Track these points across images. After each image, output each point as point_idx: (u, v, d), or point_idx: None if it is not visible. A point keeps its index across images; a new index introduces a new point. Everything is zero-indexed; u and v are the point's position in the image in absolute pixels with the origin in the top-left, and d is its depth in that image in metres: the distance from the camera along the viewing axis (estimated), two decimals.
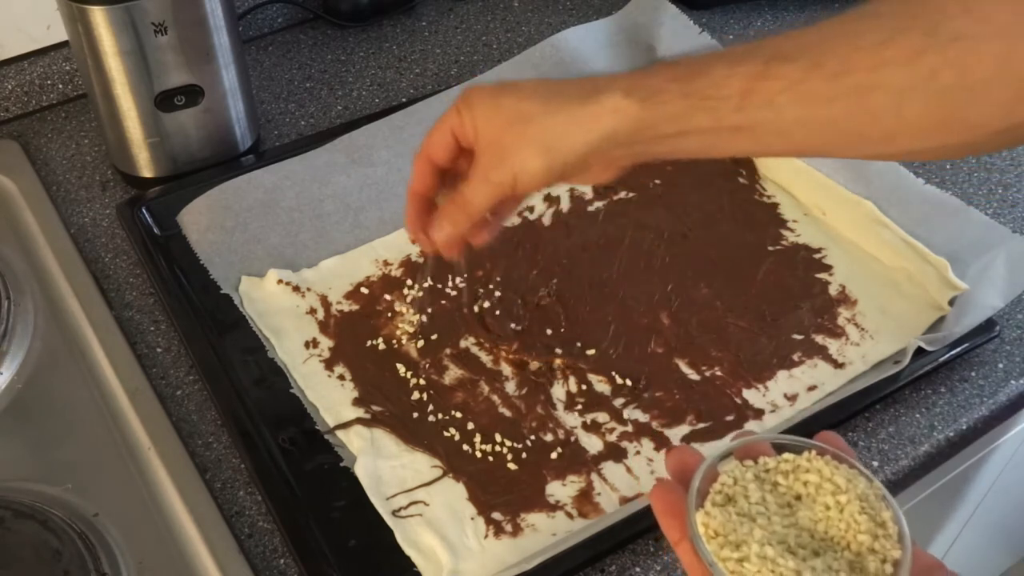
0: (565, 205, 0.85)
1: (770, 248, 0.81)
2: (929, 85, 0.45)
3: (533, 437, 0.69)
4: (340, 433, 0.69)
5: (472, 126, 0.56)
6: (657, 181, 0.87)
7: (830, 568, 0.43)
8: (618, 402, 0.71)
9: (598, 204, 0.85)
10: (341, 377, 0.72)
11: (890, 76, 0.46)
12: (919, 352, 0.71)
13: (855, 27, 0.49)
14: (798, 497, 0.46)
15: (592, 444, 0.68)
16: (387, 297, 0.77)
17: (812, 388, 0.71)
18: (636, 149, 0.54)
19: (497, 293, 0.78)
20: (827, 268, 0.80)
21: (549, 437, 0.69)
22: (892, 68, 0.46)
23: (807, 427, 0.66)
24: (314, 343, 0.74)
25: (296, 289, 0.77)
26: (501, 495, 0.65)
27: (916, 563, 0.44)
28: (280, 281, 0.77)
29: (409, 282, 0.78)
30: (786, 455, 0.47)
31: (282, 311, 0.76)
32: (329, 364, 0.73)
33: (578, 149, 0.53)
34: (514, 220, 0.84)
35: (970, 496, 1.02)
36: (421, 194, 0.60)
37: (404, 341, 0.74)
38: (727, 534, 0.44)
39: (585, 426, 0.69)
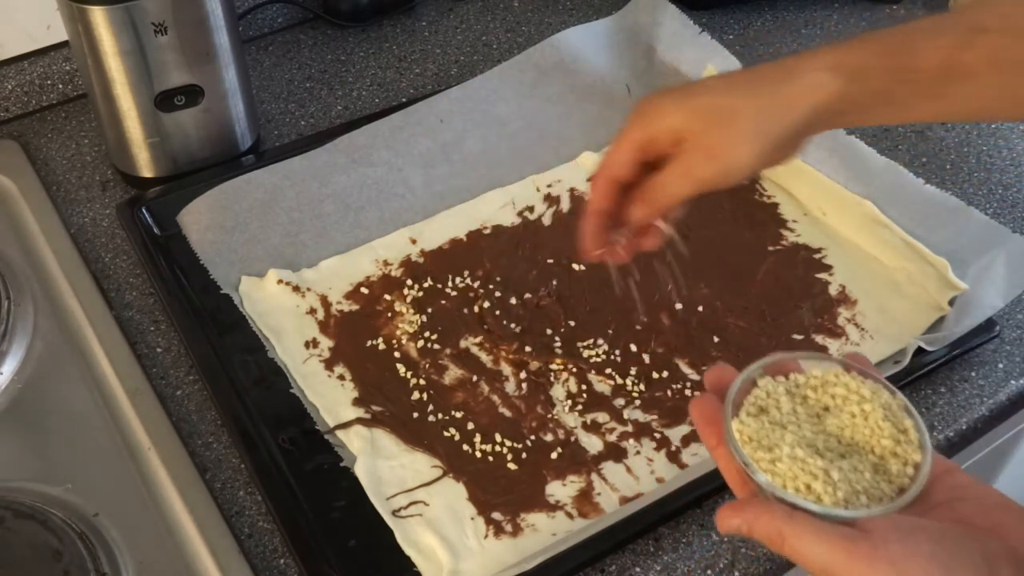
0: (565, 205, 0.85)
1: (770, 248, 0.81)
2: None
3: (533, 437, 0.69)
4: (340, 433, 0.69)
5: (669, 133, 0.56)
6: None
7: (855, 468, 0.47)
8: (618, 402, 0.71)
9: None
10: (341, 377, 0.72)
11: None
12: (919, 352, 0.71)
13: None
14: (826, 409, 0.49)
15: (592, 444, 0.68)
16: (387, 297, 0.77)
17: None
18: (835, 122, 0.57)
19: (497, 293, 0.78)
20: (827, 268, 0.80)
21: (549, 437, 0.69)
22: None
23: None
24: (314, 343, 0.74)
25: (296, 289, 0.77)
26: (501, 495, 0.65)
27: (934, 467, 0.47)
28: (280, 281, 0.77)
29: (409, 282, 0.78)
30: (815, 371, 0.50)
31: (282, 311, 0.76)
32: (329, 364, 0.73)
33: (787, 130, 0.55)
34: (514, 220, 0.84)
35: None
36: (604, 212, 0.59)
37: (404, 341, 0.74)
38: (760, 439, 0.48)
39: (585, 426, 0.69)
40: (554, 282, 0.79)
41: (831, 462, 0.47)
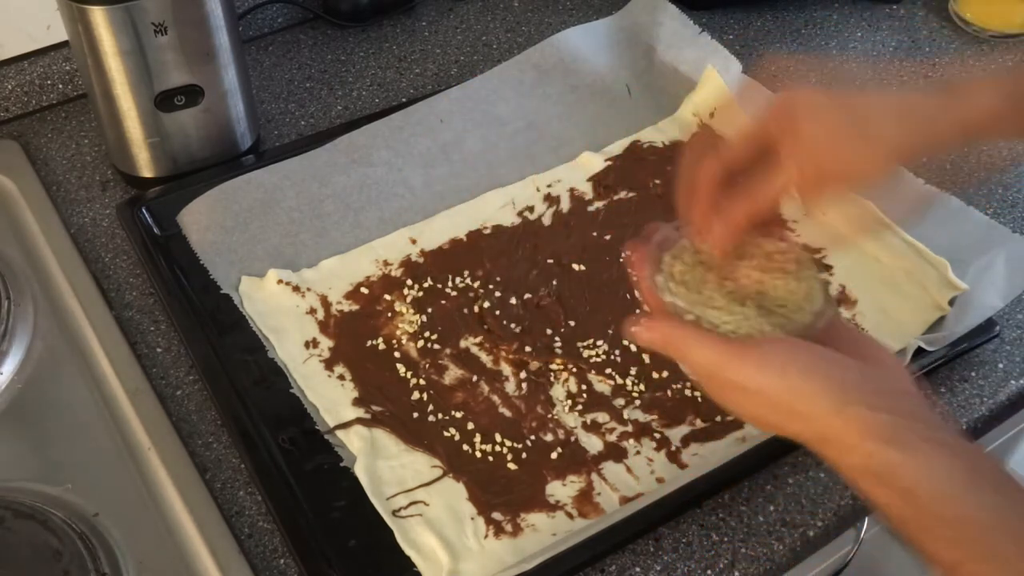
0: (565, 205, 0.85)
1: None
2: None
3: (533, 437, 0.69)
4: (340, 433, 0.69)
5: (798, 137, 0.55)
6: (657, 181, 0.87)
7: (759, 306, 0.54)
8: (618, 402, 0.71)
9: (598, 204, 0.85)
10: (341, 377, 0.72)
11: None
12: (919, 352, 0.71)
13: None
14: (740, 258, 0.56)
15: (592, 444, 0.68)
16: (387, 297, 0.77)
17: None
18: (978, 139, 0.60)
19: (497, 293, 0.78)
20: (827, 268, 0.80)
21: (549, 437, 0.69)
22: None
23: None
24: (314, 343, 0.74)
25: (296, 289, 0.77)
26: (501, 495, 0.65)
27: (834, 325, 0.54)
28: (280, 281, 0.77)
29: (409, 282, 0.78)
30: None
31: (282, 311, 0.76)
32: (329, 364, 0.73)
33: (930, 148, 0.57)
34: (514, 220, 0.84)
35: None
36: (708, 196, 0.57)
37: (404, 341, 0.74)
38: (681, 276, 0.55)
39: (585, 426, 0.69)
40: (554, 282, 0.79)
41: (732, 299, 0.54)
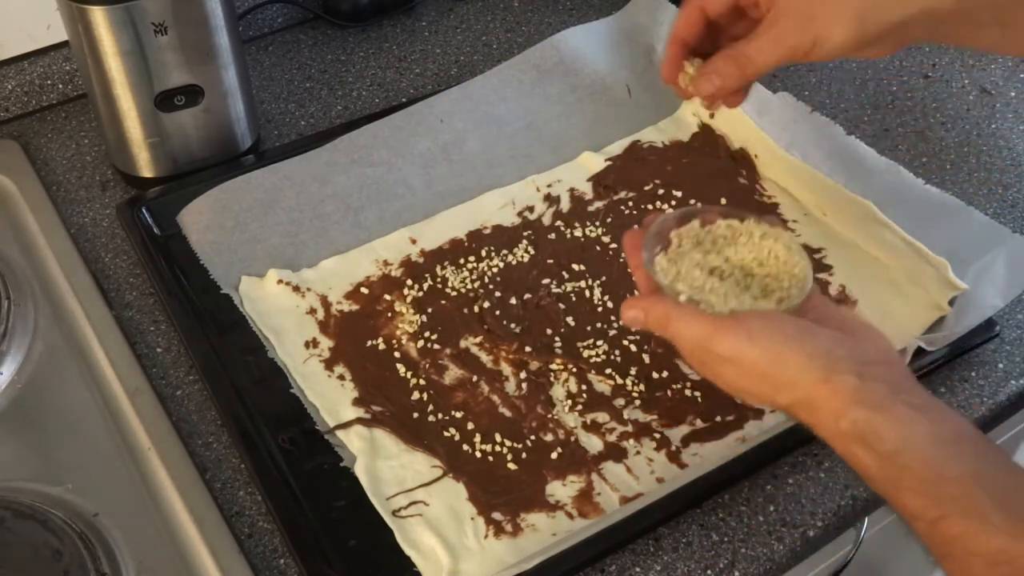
0: (565, 205, 0.85)
1: None
2: None
3: (533, 437, 0.69)
4: (340, 433, 0.69)
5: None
6: (657, 181, 0.87)
7: (746, 286, 0.57)
8: (618, 402, 0.71)
9: (598, 204, 0.85)
10: (341, 377, 0.72)
11: None
12: (919, 352, 0.71)
13: None
14: (732, 243, 0.59)
15: (592, 444, 0.68)
16: (387, 297, 0.77)
17: None
18: (936, 33, 0.58)
19: (497, 293, 0.78)
20: (827, 268, 0.80)
21: (549, 437, 0.69)
22: None
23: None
24: (314, 343, 0.74)
25: (296, 289, 0.77)
26: (501, 495, 0.65)
27: (814, 298, 0.56)
28: (280, 281, 0.77)
29: (409, 282, 0.78)
30: (731, 220, 0.60)
31: (282, 311, 0.76)
32: (329, 364, 0.73)
33: (889, 23, 0.56)
34: (514, 220, 0.84)
35: None
36: (684, 41, 0.62)
37: (404, 341, 0.74)
38: (673, 260, 0.58)
39: (585, 426, 0.69)
40: (554, 282, 0.79)
41: (725, 281, 0.57)
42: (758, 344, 0.51)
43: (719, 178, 0.87)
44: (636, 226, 0.63)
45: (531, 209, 0.85)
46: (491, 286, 0.78)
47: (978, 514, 0.46)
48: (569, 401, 0.71)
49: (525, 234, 0.82)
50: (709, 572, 0.63)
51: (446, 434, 0.69)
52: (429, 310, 0.76)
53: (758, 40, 0.59)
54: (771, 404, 0.55)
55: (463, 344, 0.74)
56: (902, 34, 0.57)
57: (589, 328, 0.75)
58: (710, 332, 0.53)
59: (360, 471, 0.66)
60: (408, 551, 0.62)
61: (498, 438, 0.68)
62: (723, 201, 0.84)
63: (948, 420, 0.50)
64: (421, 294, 0.78)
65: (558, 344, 0.74)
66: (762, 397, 0.54)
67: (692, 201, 0.85)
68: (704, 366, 0.55)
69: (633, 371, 0.72)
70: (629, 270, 0.61)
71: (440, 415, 0.70)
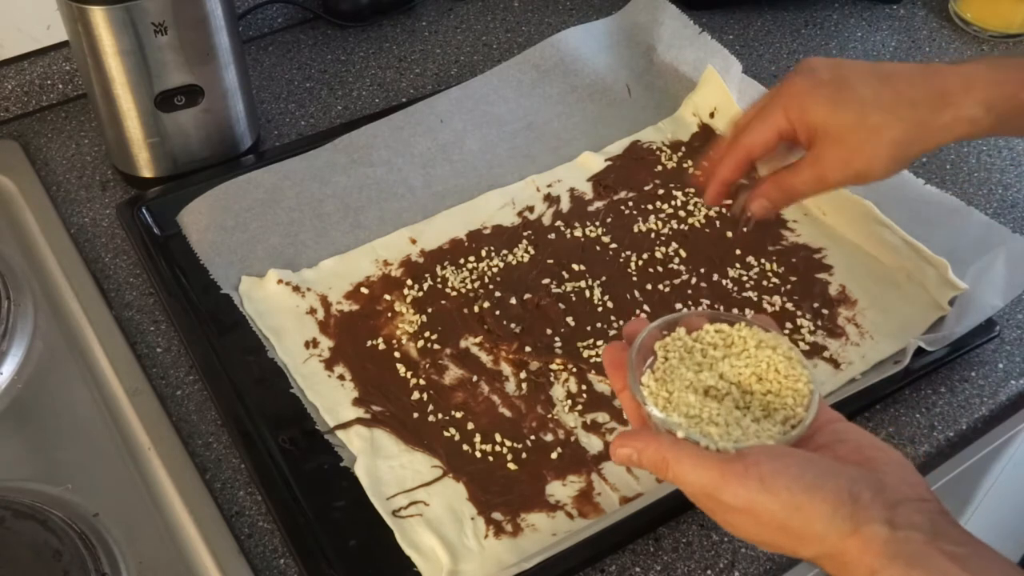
0: (565, 205, 0.85)
1: (770, 248, 0.81)
2: None
3: (533, 437, 0.69)
4: (340, 433, 0.69)
5: (807, 129, 0.61)
6: (657, 181, 0.87)
7: (746, 411, 0.52)
8: (618, 402, 0.71)
9: (598, 204, 0.85)
10: (341, 377, 0.72)
11: None
12: (919, 352, 0.71)
13: None
14: (725, 357, 0.54)
15: (592, 444, 0.68)
16: (387, 297, 0.77)
17: None
18: (978, 138, 0.65)
19: (497, 293, 0.78)
20: (827, 268, 0.80)
21: (549, 437, 0.69)
22: None
23: None
24: (314, 343, 0.74)
25: (296, 289, 0.77)
26: (501, 495, 0.65)
27: (821, 416, 0.52)
28: (280, 281, 0.77)
29: (409, 282, 0.78)
30: (720, 325, 0.56)
31: (282, 311, 0.76)
32: (329, 364, 0.73)
33: (925, 151, 0.61)
34: (514, 220, 0.84)
35: (970, 496, 1.02)
36: (729, 181, 0.66)
37: (404, 341, 0.74)
38: (661, 382, 0.53)
39: (585, 426, 0.69)
40: (554, 282, 0.79)
41: (722, 403, 0.52)
42: (774, 495, 0.47)
43: None
44: (616, 339, 0.60)
45: (531, 209, 0.85)
46: (491, 286, 0.78)
47: None
48: (569, 401, 0.71)
49: (525, 234, 0.82)
50: (709, 572, 0.63)
51: (446, 434, 0.69)
52: (429, 310, 0.77)
53: (803, 174, 0.63)
54: (793, 555, 0.49)
55: (463, 344, 0.74)
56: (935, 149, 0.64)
57: (589, 328, 0.75)
58: (717, 480, 0.48)
59: (360, 471, 0.66)
60: (408, 551, 0.62)
61: (498, 438, 0.68)
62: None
63: (992, 567, 0.46)
64: (421, 294, 0.78)
65: (558, 344, 0.74)
66: (784, 548, 0.49)
67: (693, 202, 0.85)
68: (715, 514, 0.50)
69: None
70: (615, 392, 0.58)
71: (440, 415, 0.70)
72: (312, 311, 0.76)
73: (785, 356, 0.54)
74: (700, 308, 0.61)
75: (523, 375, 0.72)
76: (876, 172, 0.61)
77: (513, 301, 0.77)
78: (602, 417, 0.70)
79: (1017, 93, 0.59)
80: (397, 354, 0.74)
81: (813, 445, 0.51)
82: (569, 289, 0.78)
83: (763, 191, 0.65)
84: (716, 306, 0.77)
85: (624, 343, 0.56)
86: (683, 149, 0.90)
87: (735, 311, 0.76)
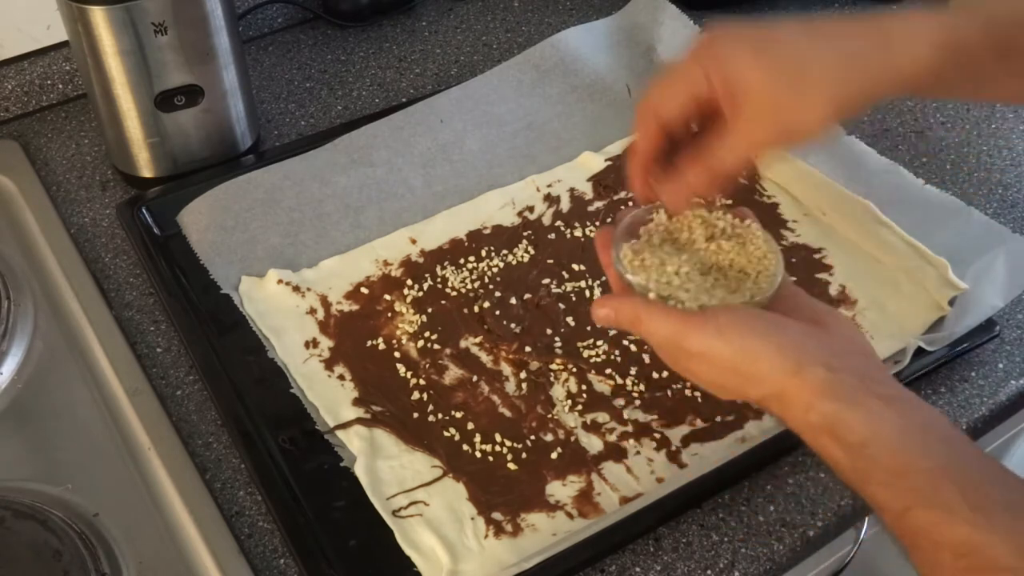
0: (565, 205, 0.85)
1: None
2: None
3: (533, 437, 0.69)
4: (340, 433, 0.69)
5: (727, 83, 0.53)
6: None
7: (716, 280, 0.56)
8: (618, 402, 0.71)
9: (598, 204, 0.85)
10: (341, 377, 0.72)
11: None
12: (919, 352, 0.71)
13: None
14: (706, 237, 0.58)
15: (592, 444, 0.68)
16: (387, 297, 0.77)
17: None
18: (916, 92, 0.56)
19: (497, 293, 0.78)
20: (827, 268, 0.80)
21: (549, 437, 0.69)
22: None
23: None
24: (314, 343, 0.74)
25: (296, 289, 0.77)
26: (501, 495, 0.65)
27: (785, 288, 0.56)
28: (280, 281, 0.77)
29: (409, 282, 0.78)
30: (699, 210, 0.59)
31: (282, 311, 0.76)
32: (329, 364, 0.73)
33: (869, 97, 0.54)
34: (514, 220, 0.84)
35: None
36: (648, 154, 0.58)
37: (404, 341, 0.74)
38: (643, 256, 0.57)
39: (585, 426, 0.69)
40: (554, 282, 0.79)
41: (697, 277, 0.56)
42: (728, 339, 0.51)
43: None
44: (609, 220, 0.62)
45: (531, 209, 0.85)
46: (491, 286, 0.78)
47: (944, 505, 0.46)
48: (569, 401, 0.71)
49: (525, 234, 0.82)
50: (709, 572, 0.63)
51: (446, 434, 0.69)
52: (429, 310, 0.76)
53: (728, 140, 0.54)
54: (743, 397, 0.55)
55: (463, 344, 0.74)
56: (881, 99, 0.57)
57: (589, 328, 0.75)
58: (680, 329, 0.52)
59: (360, 471, 0.66)
60: (408, 551, 0.62)
61: (498, 438, 0.68)
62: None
63: (918, 412, 0.50)
64: (421, 294, 0.78)
65: (558, 344, 0.74)
66: (734, 391, 0.54)
67: None
68: (676, 363, 0.55)
69: (633, 371, 0.72)
70: (603, 267, 0.61)
71: (440, 415, 0.70)
72: (312, 311, 0.76)
73: (755, 237, 0.58)
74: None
75: (523, 375, 0.72)
76: (811, 125, 0.53)
77: (513, 301, 0.77)
78: (602, 417, 0.70)
79: (974, 37, 0.54)
80: (397, 354, 0.74)
81: (772, 311, 0.54)
82: (569, 289, 0.78)
83: (681, 178, 0.56)
84: None
85: (613, 226, 0.60)
86: None
87: None
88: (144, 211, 0.82)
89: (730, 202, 0.62)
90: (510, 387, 0.72)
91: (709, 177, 0.56)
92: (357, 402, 0.70)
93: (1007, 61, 0.55)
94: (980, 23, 0.54)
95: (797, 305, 0.55)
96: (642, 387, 0.71)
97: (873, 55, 0.53)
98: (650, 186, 0.59)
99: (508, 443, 0.68)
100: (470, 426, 0.69)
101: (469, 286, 0.78)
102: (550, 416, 0.70)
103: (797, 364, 0.50)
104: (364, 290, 0.78)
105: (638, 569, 0.63)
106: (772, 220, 0.84)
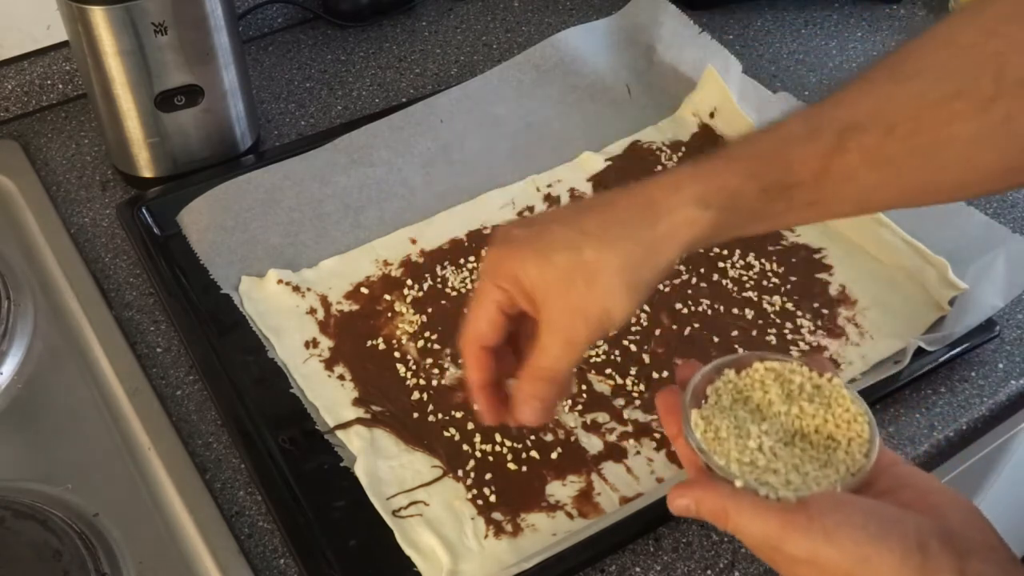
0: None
1: (770, 248, 0.81)
2: (1002, 130, 0.46)
3: (533, 437, 0.69)
4: (340, 433, 0.69)
5: (526, 295, 0.52)
6: None
7: (805, 456, 0.50)
8: (618, 402, 0.71)
9: None
10: (341, 377, 0.72)
11: (962, 128, 0.46)
12: (919, 352, 0.71)
13: (919, 84, 0.48)
14: (783, 400, 0.52)
15: (592, 444, 0.68)
16: (387, 297, 0.77)
17: None
18: (707, 245, 0.54)
19: None
20: (827, 268, 0.80)
21: (549, 437, 0.69)
22: (964, 120, 0.46)
23: None
24: (314, 343, 0.74)
25: (296, 289, 0.77)
26: (501, 495, 0.65)
27: (881, 459, 0.50)
28: (280, 281, 0.77)
29: (409, 282, 0.78)
30: (770, 363, 0.54)
31: (282, 311, 0.76)
32: (329, 364, 0.73)
33: (661, 271, 0.52)
34: (514, 220, 0.84)
35: (971, 496, 1.02)
36: (485, 382, 0.56)
37: (404, 341, 0.75)
38: (716, 428, 0.51)
39: (585, 426, 0.69)
40: None
41: (782, 449, 0.50)
42: (839, 546, 0.45)
43: None
44: (671, 385, 0.56)
45: (531, 209, 0.85)
46: None
47: None
48: (569, 401, 0.71)
49: None
50: (709, 572, 0.63)
51: (446, 434, 0.69)
52: (429, 310, 0.77)
53: (547, 349, 0.52)
54: None
55: None
56: (675, 264, 0.52)
57: None
58: (779, 532, 0.46)
59: (360, 471, 0.66)
60: (408, 551, 0.62)
61: (498, 438, 0.68)
62: None
63: None
64: (421, 294, 0.78)
65: None
66: None
67: None
68: (777, 565, 0.49)
69: (633, 371, 0.72)
70: (670, 439, 0.56)
71: (440, 415, 0.70)
72: (312, 311, 0.76)
73: (842, 397, 0.52)
74: (756, 351, 0.55)
75: None
76: (618, 309, 0.51)
77: None
78: (602, 417, 0.70)
79: (726, 182, 0.51)
80: (397, 354, 0.74)
81: (875, 491, 0.49)
82: None
83: (524, 393, 0.54)
84: (716, 307, 0.77)
85: (677, 388, 0.54)
86: (683, 149, 0.90)
87: (735, 311, 0.76)
88: (144, 211, 0.82)
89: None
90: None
91: (545, 385, 0.54)
92: (357, 402, 0.70)
93: (785, 199, 0.51)
94: (744, 165, 0.51)
95: (900, 480, 0.49)
96: (642, 387, 0.71)
97: (644, 234, 0.51)
98: (499, 410, 0.57)
99: (508, 443, 0.68)
100: (470, 426, 0.69)
101: (469, 286, 0.78)
102: None
103: (924, 573, 0.44)
104: (364, 290, 0.78)
105: (638, 569, 0.63)
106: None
